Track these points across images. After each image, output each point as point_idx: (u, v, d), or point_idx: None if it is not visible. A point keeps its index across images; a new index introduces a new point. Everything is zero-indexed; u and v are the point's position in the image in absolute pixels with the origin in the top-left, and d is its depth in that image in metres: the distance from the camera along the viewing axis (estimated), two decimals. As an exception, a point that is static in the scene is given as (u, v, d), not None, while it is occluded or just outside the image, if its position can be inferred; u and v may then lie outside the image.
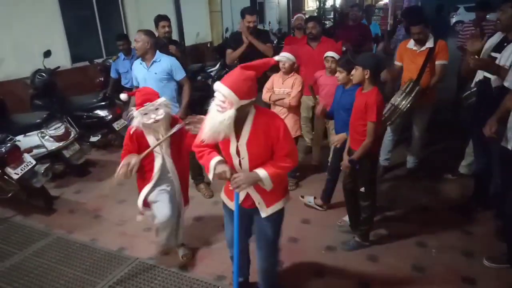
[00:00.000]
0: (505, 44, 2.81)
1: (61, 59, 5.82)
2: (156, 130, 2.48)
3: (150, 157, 2.58)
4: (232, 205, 2.13)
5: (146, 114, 2.38)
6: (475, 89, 3.15)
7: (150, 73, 3.51)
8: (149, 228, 3.40)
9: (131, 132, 2.51)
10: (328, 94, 3.54)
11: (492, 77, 2.86)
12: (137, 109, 2.39)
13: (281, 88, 3.64)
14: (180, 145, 2.65)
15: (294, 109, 3.67)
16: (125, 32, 7.36)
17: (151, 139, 2.52)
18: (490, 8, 5.07)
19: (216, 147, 2.07)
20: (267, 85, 3.74)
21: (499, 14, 2.79)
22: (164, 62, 3.54)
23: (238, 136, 1.92)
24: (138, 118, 2.40)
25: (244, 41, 4.08)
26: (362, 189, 2.82)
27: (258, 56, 4.12)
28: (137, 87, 3.67)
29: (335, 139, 3.18)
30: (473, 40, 2.89)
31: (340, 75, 3.05)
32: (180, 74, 3.61)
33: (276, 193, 2.08)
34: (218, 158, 1.98)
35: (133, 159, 2.46)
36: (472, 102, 3.18)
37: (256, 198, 2.08)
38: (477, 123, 3.11)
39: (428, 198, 3.69)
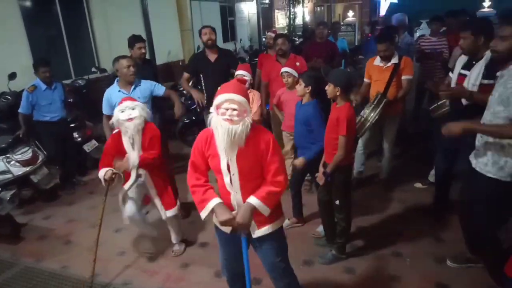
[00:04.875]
0: (474, 62, 2.88)
1: (28, 81, 5.64)
2: (127, 131, 2.80)
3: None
4: (225, 228, 2.02)
5: (123, 111, 2.76)
6: (443, 101, 3.26)
7: (133, 97, 3.44)
8: (123, 252, 3.33)
9: (114, 132, 2.94)
10: (292, 109, 3.63)
11: None
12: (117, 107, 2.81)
13: None
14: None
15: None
16: (94, 52, 7.27)
17: (125, 140, 2.85)
18: (443, 22, 5.38)
19: (207, 174, 2.01)
20: None
21: (461, 41, 2.89)
22: (144, 85, 3.58)
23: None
24: (116, 114, 2.79)
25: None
26: (337, 202, 2.87)
27: (223, 75, 4.18)
28: (110, 116, 3.59)
29: (296, 163, 3.19)
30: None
31: (299, 87, 3.14)
32: (161, 89, 3.67)
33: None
34: (216, 200, 1.92)
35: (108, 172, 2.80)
36: (442, 113, 3.29)
37: None
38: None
39: (401, 207, 3.79)
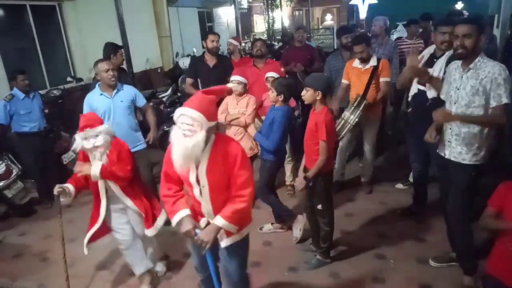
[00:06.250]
0: (435, 60, 3.05)
1: (0, 92, 5.47)
2: (93, 155, 2.57)
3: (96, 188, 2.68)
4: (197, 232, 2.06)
5: (86, 139, 2.50)
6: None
7: (116, 101, 3.45)
8: (103, 266, 3.23)
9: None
10: None
11: (427, 89, 3.07)
12: (78, 133, 2.52)
13: (236, 108, 3.70)
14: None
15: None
16: (69, 61, 7.10)
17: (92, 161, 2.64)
18: (418, 23, 5.51)
19: (181, 183, 2.06)
20: (222, 107, 3.78)
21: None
22: (127, 90, 3.57)
23: (197, 164, 1.91)
24: (78, 141, 2.52)
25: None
26: (319, 207, 2.86)
27: (221, 80, 4.18)
28: None
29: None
30: (413, 56, 2.91)
31: (271, 94, 3.14)
32: (142, 100, 3.68)
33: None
34: (183, 212, 1.99)
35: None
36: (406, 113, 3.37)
37: None
38: (413, 132, 3.33)
39: (383, 209, 3.81)
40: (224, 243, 2.06)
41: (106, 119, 3.44)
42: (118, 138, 2.72)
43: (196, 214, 2.10)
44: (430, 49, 3.20)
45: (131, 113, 3.59)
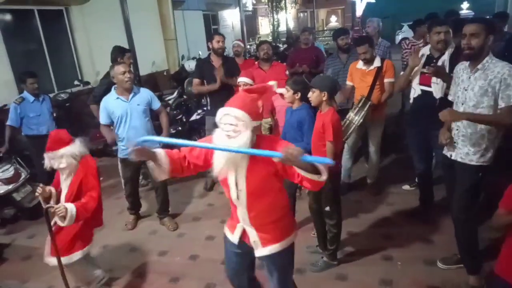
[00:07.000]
0: (434, 61, 3.08)
1: (8, 96, 5.53)
2: (62, 175, 2.58)
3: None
4: (233, 238, 2.01)
5: (53, 159, 2.49)
6: None
7: (132, 105, 3.47)
8: (111, 269, 3.24)
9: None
10: (281, 114, 3.65)
11: (433, 89, 3.07)
12: (46, 153, 2.51)
13: None
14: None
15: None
16: (77, 65, 7.17)
17: (62, 177, 2.61)
18: (425, 24, 5.49)
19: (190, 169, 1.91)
20: None
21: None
22: (144, 93, 3.58)
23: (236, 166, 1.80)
24: (46, 161, 2.52)
25: (218, 82, 4.13)
26: (327, 209, 2.86)
27: (227, 87, 4.18)
28: (108, 125, 3.56)
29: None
30: (414, 55, 3.10)
31: (287, 94, 3.14)
32: (157, 103, 3.69)
33: (275, 232, 1.92)
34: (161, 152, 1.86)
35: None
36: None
37: (252, 235, 1.92)
38: (417, 133, 3.34)
39: (390, 210, 3.79)
40: (258, 252, 1.94)
41: (123, 123, 3.47)
42: (88, 157, 2.61)
43: (232, 218, 2.02)
44: (425, 50, 3.22)
45: (147, 117, 3.59)
